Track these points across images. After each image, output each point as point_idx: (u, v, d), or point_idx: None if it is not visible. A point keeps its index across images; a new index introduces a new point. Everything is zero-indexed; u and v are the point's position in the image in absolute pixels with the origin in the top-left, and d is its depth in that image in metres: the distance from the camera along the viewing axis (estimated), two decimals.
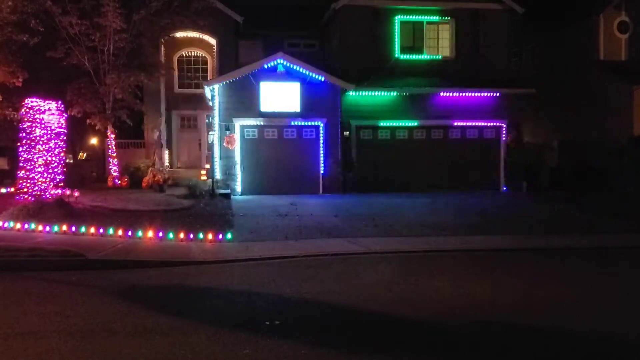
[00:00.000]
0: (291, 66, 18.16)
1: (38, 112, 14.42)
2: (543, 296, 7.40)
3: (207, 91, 18.67)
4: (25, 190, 14.31)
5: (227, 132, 17.91)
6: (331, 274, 8.54)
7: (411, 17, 20.52)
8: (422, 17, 20.56)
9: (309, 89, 18.32)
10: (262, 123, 18.33)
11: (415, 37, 20.68)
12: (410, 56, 20.49)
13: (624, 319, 6.42)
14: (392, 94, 19.19)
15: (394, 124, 19.47)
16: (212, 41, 22.81)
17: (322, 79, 18.32)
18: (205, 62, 23.70)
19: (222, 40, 22.67)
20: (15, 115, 18.12)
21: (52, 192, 14.65)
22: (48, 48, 17.96)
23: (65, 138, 16.13)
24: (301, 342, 5.41)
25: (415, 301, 7.05)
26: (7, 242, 9.81)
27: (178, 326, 5.89)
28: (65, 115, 16.27)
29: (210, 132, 19.09)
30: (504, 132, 19.94)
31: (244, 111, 18.12)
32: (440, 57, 20.68)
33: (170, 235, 10.90)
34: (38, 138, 14.42)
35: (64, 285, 7.80)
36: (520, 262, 9.81)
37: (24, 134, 14.37)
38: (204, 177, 20.80)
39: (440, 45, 20.78)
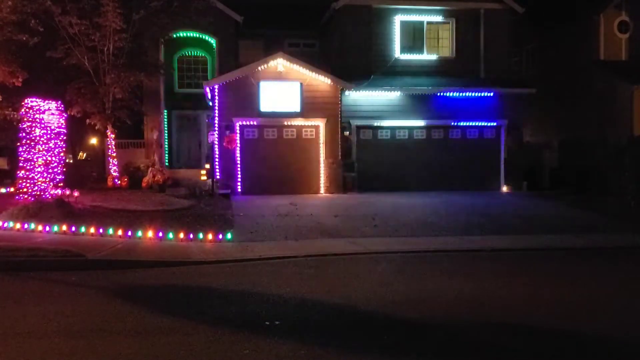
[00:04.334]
0: (291, 66, 18.14)
1: (38, 112, 14.42)
2: (544, 296, 7.40)
3: (207, 91, 18.65)
4: (25, 190, 14.31)
5: (227, 132, 17.89)
6: (331, 274, 8.54)
7: (411, 17, 20.49)
8: (422, 17, 20.54)
9: (309, 89, 18.30)
10: (262, 123, 18.31)
11: (415, 37, 20.66)
12: (411, 56, 20.47)
13: (624, 319, 6.42)
14: (392, 94, 19.17)
15: (394, 124, 19.46)
16: (212, 41, 22.79)
17: (322, 79, 18.31)
18: (205, 62, 23.67)
19: (222, 40, 22.64)
20: (15, 115, 18.11)
21: (52, 192, 14.64)
22: (48, 48, 17.94)
23: (65, 138, 16.14)
24: (301, 342, 5.40)
25: (416, 301, 7.04)
26: (6, 242, 9.81)
27: (178, 326, 5.88)
28: (65, 115, 16.27)
29: (210, 132, 19.07)
30: (504, 132, 19.92)
31: (244, 111, 18.11)
32: (440, 57, 20.67)
33: (170, 235, 10.90)
34: (38, 138, 14.42)
35: (64, 285, 7.80)
36: (521, 262, 9.81)
37: (24, 134, 14.38)
38: (204, 177, 20.78)
39: (440, 45, 20.76)
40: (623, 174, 17.00)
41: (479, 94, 19.69)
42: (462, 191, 18.69)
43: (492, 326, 6.12)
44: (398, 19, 20.36)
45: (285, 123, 18.38)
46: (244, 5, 22.60)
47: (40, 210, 12.35)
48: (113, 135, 20.33)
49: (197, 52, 23.57)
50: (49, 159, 14.82)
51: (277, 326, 5.91)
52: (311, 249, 10.31)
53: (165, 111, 22.87)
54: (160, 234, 10.91)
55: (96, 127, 20.27)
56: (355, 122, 19.17)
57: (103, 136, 22.48)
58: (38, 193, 14.28)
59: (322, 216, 13.85)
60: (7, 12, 16.69)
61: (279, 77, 18.12)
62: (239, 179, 18.13)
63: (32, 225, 11.43)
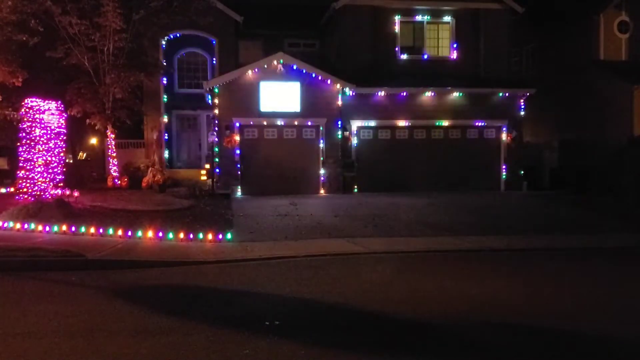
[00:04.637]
0: (291, 66, 18.14)
1: (38, 112, 14.41)
2: (543, 296, 7.40)
3: (207, 91, 18.66)
4: (25, 190, 14.30)
5: (227, 132, 17.90)
6: (331, 274, 8.54)
7: (411, 17, 20.52)
8: (422, 17, 20.57)
9: (309, 89, 18.30)
10: (262, 123, 18.31)
11: (415, 37, 20.69)
12: (410, 56, 20.49)
13: (624, 319, 6.42)
14: (392, 93, 19.17)
15: (394, 124, 19.45)
16: (212, 41, 22.81)
17: (322, 79, 18.31)
18: (205, 62, 23.69)
19: (222, 40, 22.66)
20: (15, 115, 18.10)
21: (51, 192, 14.63)
22: (48, 48, 17.95)
23: (65, 138, 16.12)
24: (301, 342, 5.40)
25: (415, 301, 7.04)
26: (7, 242, 9.80)
27: (178, 326, 5.88)
28: (65, 115, 16.26)
29: (210, 132, 19.07)
30: (504, 132, 19.92)
31: (244, 111, 18.11)
32: (440, 57, 20.69)
33: (170, 235, 10.89)
34: (38, 138, 14.41)
35: (64, 285, 7.79)
36: (521, 262, 9.81)
37: (24, 134, 14.36)
38: (204, 177, 20.81)
39: (440, 45, 20.79)
40: (623, 174, 17.00)
41: (479, 94, 19.69)
42: (462, 191, 18.70)
43: (492, 326, 6.12)
44: (398, 19, 20.39)
45: (285, 123, 18.38)
46: (244, 5, 22.63)
47: (40, 210, 12.35)
48: (113, 135, 20.33)
49: (197, 52, 23.57)
50: (49, 159, 14.81)
51: (277, 326, 5.91)
52: (311, 248, 10.31)
53: (165, 111, 22.88)
54: (160, 234, 10.91)
55: (96, 127, 20.29)
56: (355, 122, 19.17)
57: (103, 136, 22.48)
58: (38, 193, 14.27)
59: (322, 216, 13.85)
60: (7, 12, 16.69)
61: (279, 77, 18.12)
62: (239, 179, 18.13)
63: (32, 225, 11.43)
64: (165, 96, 22.84)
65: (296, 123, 18.45)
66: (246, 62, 19.90)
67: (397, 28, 20.41)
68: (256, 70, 18.04)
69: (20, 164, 14.51)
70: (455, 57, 20.68)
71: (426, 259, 9.87)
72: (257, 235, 11.50)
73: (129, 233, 10.98)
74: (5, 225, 11.54)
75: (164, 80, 22.51)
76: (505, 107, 19.89)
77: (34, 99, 14.57)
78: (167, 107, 22.99)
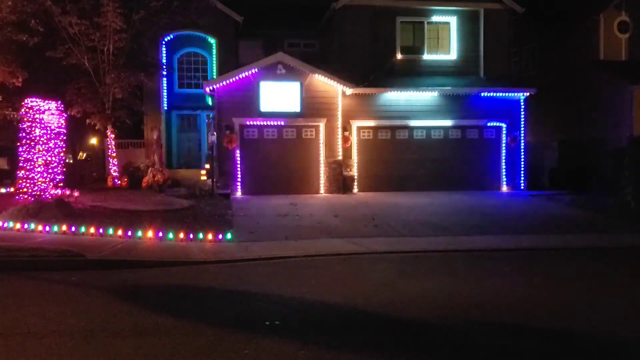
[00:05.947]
0: (291, 66, 18.14)
1: (38, 112, 14.42)
2: (543, 296, 7.40)
3: (207, 91, 18.65)
4: (25, 190, 14.32)
5: (227, 132, 17.90)
6: (331, 274, 8.54)
7: (411, 17, 20.51)
8: (423, 17, 20.56)
9: (309, 89, 18.30)
10: (262, 123, 18.31)
11: (415, 37, 20.68)
12: (410, 56, 20.47)
13: (624, 319, 6.42)
14: (391, 94, 19.15)
15: (394, 124, 19.44)
16: (212, 41, 22.83)
17: (322, 79, 18.31)
18: (205, 62, 23.70)
19: (222, 40, 22.67)
20: (15, 115, 18.12)
21: (51, 192, 14.65)
22: (48, 48, 17.97)
23: (65, 138, 16.15)
24: (301, 342, 5.40)
25: (416, 301, 7.04)
26: (7, 242, 9.80)
27: (178, 326, 5.88)
28: (65, 115, 16.29)
29: (210, 132, 19.07)
30: (504, 132, 19.92)
31: (244, 111, 18.10)
32: (440, 57, 20.69)
33: (170, 235, 10.89)
34: (38, 138, 14.43)
35: (64, 285, 7.80)
36: (520, 262, 9.80)
37: (24, 134, 14.38)
38: (204, 177, 20.79)
39: (440, 45, 20.77)
40: (623, 174, 16.99)
41: (479, 94, 19.68)
42: (462, 191, 18.68)
43: (492, 326, 6.12)
44: (398, 19, 20.37)
45: (285, 123, 18.37)
46: (244, 5, 22.64)
47: (40, 210, 12.35)
48: (113, 135, 20.35)
49: (197, 52, 23.58)
50: (49, 159, 14.83)
51: (277, 326, 5.91)
52: (311, 249, 10.31)
53: (165, 111, 22.88)
54: (160, 234, 10.91)
55: (96, 127, 20.30)
56: (355, 122, 19.16)
57: (103, 136, 22.51)
58: (38, 193, 14.29)
59: (322, 216, 13.85)
60: (7, 12, 16.71)
61: (279, 77, 18.11)
62: (239, 179, 18.12)
63: (32, 225, 11.42)
64: (165, 96, 22.84)
65: (296, 123, 18.44)
66: (246, 62, 19.88)
67: (397, 28, 20.40)
68: (256, 70, 18.03)
69: (20, 164, 14.52)
70: (455, 57, 20.67)
71: (426, 259, 9.87)
72: (257, 235, 11.50)
73: (129, 233, 10.98)
74: (5, 225, 11.54)
75: (164, 80, 22.51)
76: (506, 107, 19.86)
77: (34, 99, 14.58)
78: (167, 107, 22.99)
